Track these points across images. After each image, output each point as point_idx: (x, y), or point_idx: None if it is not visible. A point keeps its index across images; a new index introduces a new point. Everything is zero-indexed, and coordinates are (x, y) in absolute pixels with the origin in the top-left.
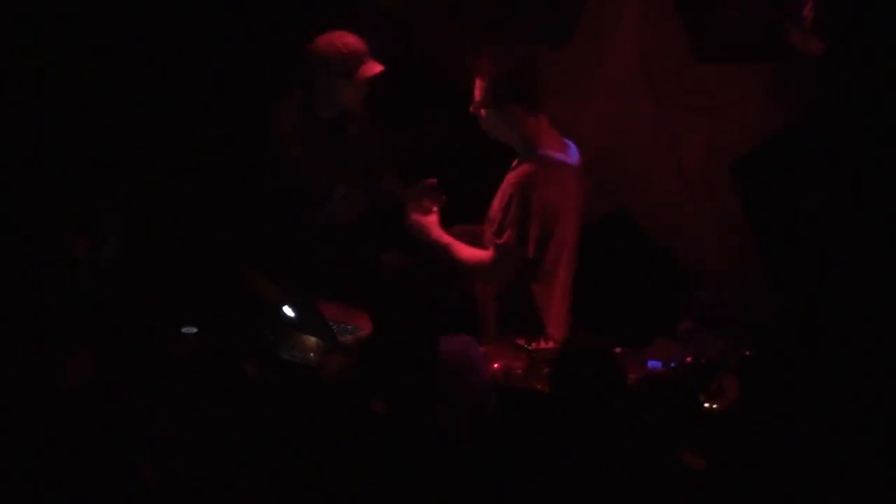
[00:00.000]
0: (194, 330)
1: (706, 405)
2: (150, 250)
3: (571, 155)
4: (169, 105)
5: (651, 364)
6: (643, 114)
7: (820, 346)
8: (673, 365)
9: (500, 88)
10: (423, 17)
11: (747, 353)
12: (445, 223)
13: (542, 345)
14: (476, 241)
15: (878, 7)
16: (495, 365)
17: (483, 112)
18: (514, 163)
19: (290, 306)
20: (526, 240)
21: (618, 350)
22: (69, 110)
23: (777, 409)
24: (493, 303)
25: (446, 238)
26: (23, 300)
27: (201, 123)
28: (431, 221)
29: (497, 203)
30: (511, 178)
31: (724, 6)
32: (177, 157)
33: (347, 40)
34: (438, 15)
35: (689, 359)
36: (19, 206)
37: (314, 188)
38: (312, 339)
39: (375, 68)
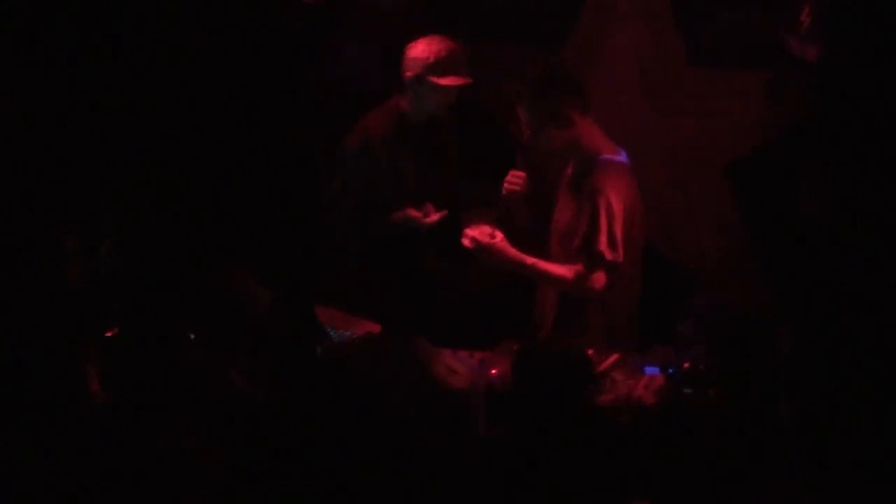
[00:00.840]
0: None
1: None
2: (147, 252)
3: (624, 155)
4: (172, 106)
5: (649, 370)
6: (639, 118)
7: (818, 350)
8: (671, 371)
9: (551, 99)
10: (420, 20)
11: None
12: None
13: None
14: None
15: (875, 13)
16: (493, 371)
17: (540, 130)
18: (569, 171)
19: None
20: (616, 244)
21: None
22: (69, 110)
23: (774, 413)
24: (556, 308)
25: (529, 259)
26: (17, 299)
27: (206, 124)
28: (503, 244)
29: (567, 214)
30: (584, 185)
31: (720, 11)
32: (177, 159)
33: (446, 45)
34: (435, 18)
35: (686, 364)
36: (15, 206)
37: (394, 194)
38: None
39: (466, 78)
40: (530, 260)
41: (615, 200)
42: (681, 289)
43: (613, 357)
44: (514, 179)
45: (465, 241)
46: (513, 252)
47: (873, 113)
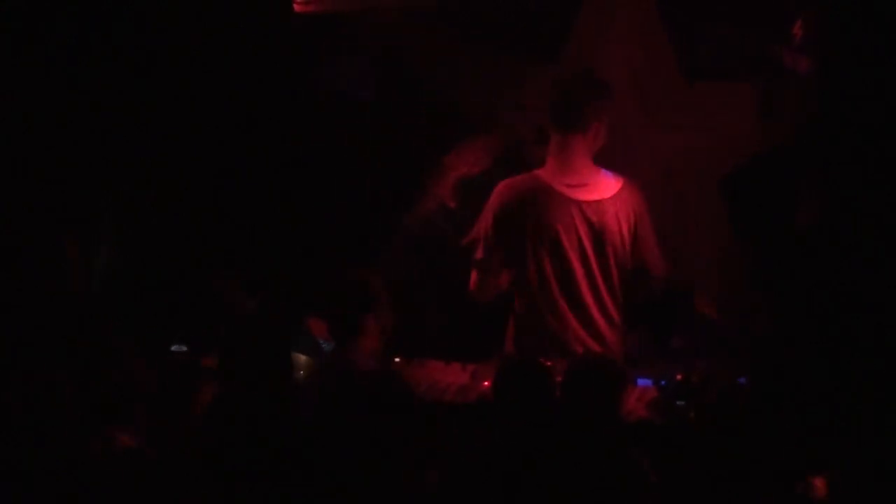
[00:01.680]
0: (184, 348)
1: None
2: (143, 259)
3: (581, 185)
4: (172, 106)
5: (641, 382)
6: (633, 131)
7: (813, 360)
8: (663, 383)
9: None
10: (415, 36)
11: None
12: None
13: None
14: None
15: (867, 25)
16: (485, 383)
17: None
18: None
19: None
20: (476, 244)
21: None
22: (69, 110)
23: (773, 422)
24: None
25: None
26: (15, 303)
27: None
28: None
29: None
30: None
31: (712, 24)
32: (177, 159)
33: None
34: (430, 33)
35: (679, 376)
36: (13, 209)
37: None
38: (302, 358)
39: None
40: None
41: (490, 206)
42: (675, 300)
43: None
44: None
45: None
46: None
47: (866, 124)
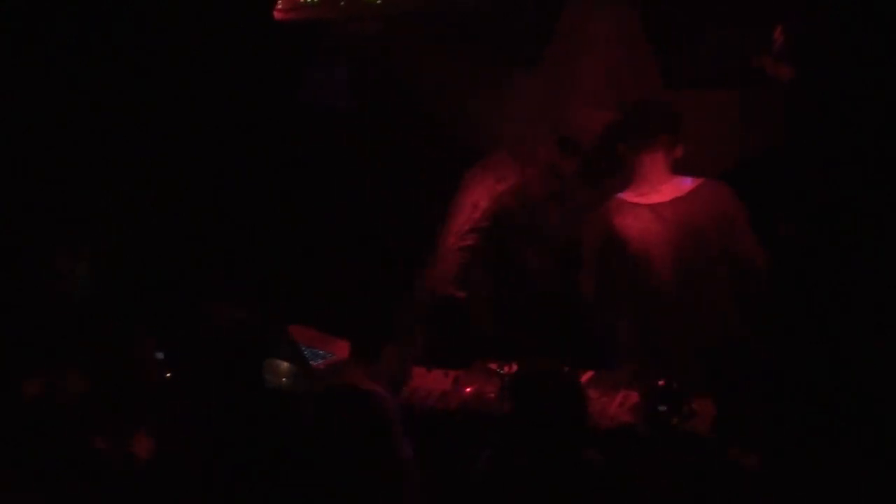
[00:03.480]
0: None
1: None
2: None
3: (653, 191)
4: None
5: None
6: (612, 138)
7: (795, 363)
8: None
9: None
10: (404, 44)
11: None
12: None
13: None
14: None
15: (848, 33)
16: (467, 389)
17: None
18: None
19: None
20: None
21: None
22: (67, 114)
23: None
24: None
25: None
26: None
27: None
28: None
29: None
30: None
31: (693, 32)
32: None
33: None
34: (418, 40)
35: (661, 382)
36: (13, 209)
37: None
38: (284, 365)
39: None
40: None
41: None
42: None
43: (588, 374)
44: None
45: None
46: None
47: (846, 133)
